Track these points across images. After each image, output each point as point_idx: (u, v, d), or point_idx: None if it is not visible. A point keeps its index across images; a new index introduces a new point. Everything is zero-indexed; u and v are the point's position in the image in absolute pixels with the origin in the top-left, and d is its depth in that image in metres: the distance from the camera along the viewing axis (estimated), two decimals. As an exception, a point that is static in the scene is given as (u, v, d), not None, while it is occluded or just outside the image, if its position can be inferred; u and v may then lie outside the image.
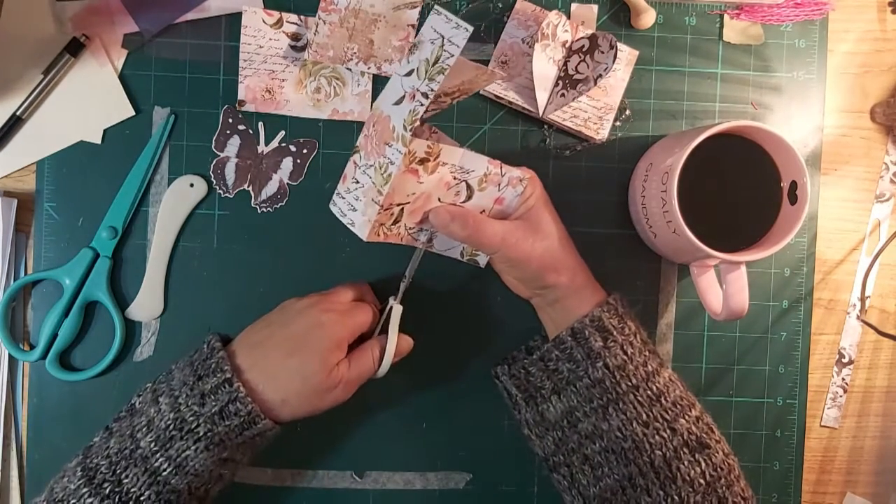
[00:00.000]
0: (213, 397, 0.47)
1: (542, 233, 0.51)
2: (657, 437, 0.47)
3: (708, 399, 0.60)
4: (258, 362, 0.49)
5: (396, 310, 0.53)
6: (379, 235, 0.49)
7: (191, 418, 0.47)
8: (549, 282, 0.51)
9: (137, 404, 0.50)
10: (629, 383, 0.48)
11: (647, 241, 0.59)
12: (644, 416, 0.48)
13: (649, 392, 0.48)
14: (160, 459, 0.46)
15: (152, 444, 0.46)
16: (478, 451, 0.59)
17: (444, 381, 0.58)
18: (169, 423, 0.47)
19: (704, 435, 0.48)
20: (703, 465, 0.47)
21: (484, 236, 0.49)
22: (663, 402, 0.48)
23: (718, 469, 0.47)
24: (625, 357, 0.49)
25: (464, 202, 0.50)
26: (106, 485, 0.46)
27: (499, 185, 0.51)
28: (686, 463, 0.47)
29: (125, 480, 0.46)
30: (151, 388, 0.50)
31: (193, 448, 0.46)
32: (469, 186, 0.50)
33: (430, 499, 0.58)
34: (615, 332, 0.49)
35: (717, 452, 0.48)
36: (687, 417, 0.48)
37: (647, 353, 0.50)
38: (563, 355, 0.50)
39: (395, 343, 0.53)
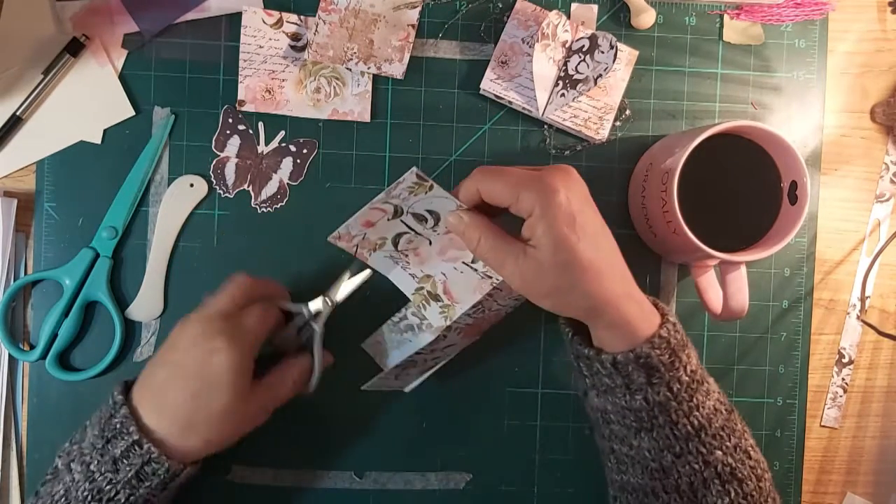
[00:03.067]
0: (125, 462, 0.45)
1: (554, 271, 0.43)
2: (688, 467, 0.45)
3: (708, 399, 0.60)
4: (165, 411, 0.46)
5: (319, 329, 0.52)
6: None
7: (107, 487, 0.45)
8: (583, 318, 0.46)
9: (59, 466, 0.47)
10: (668, 419, 0.45)
11: (647, 240, 0.59)
12: (678, 448, 0.45)
13: (689, 427, 0.45)
14: None
15: None
16: (478, 451, 0.59)
17: (445, 382, 0.58)
18: (86, 493, 0.44)
19: (739, 464, 0.45)
20: (733, 494, 0.45)
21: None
22: (702, 436, 0.45)
23: (749, 497, 0.45)
24: (668, 394, 0.44)
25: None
26: None
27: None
28: (714, 493, 0.45)
29: None
30: (67, 448, 0.48)
31: None
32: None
33: (430, 499, 0.58)
34: (662, 370, 0.44)
35: (750, 480, 0.45)
36: (724, 448, 0.45)
37: (694, 386, 0.45)
38: (603, 372, 0.46)
39: (322, 361, 0.52)
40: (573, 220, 0.43)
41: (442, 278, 0.48)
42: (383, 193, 0.46)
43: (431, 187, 0.46)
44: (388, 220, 0.49)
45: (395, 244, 0.49)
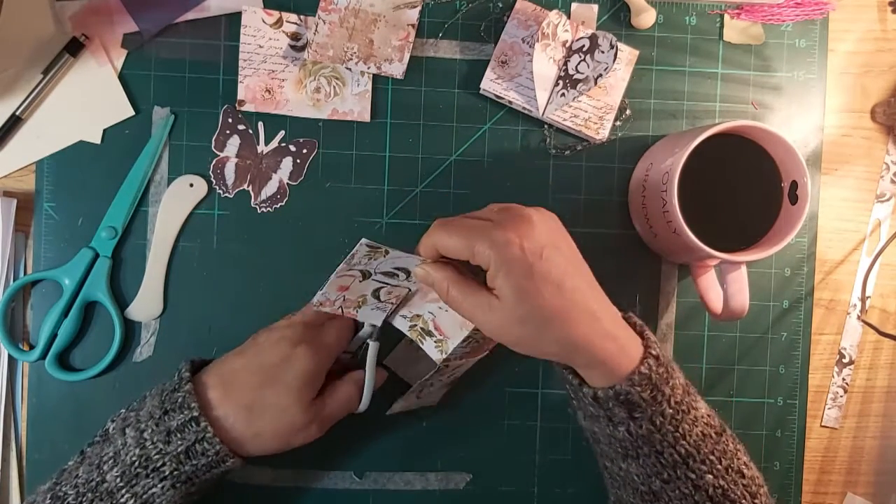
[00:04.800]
0: (179, 435, 0.45)
1: (519, 322, 0.42)
2: (678, 491, 0.45)
3: (708, 399, 0.60)
4: (230, 394, 0.47)
5: (373, 347, 0.51)
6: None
7: (156, 456, 0.45)
8: (558, 360, 0.46)
9: (111, 430, 0.48)
10: (653, 449, 0.44)
11: (647, 240, 0.59)
12: (666, 475, 0.45)
13: (675, 456, 0.44)
14: (126, 496, 0.45)
15: (118, 480, 0.45)
16: (478, 451, 0.59)
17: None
18: (134, 458, 0.45)
19: (732, 485, 0.45)
20: None
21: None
22: (691, 463, 0.44)
23: None
24: (651, 428, 0.44)
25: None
26: None
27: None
28: None
29: None
30: (124, 414, 0.49)
31: (160, 486, 0.45)
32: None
33: (430, 499, 0.58)
34: (644, 405, 0.44)
35: (744, 499, 0.45)
36: (715, 472, 0.45)
37: (679, 417, 0.44)
38: (586, 401, 0.46)
39: (374, 380, 0.52)
40: (530, 270, 0.42)
41: (430, 316, 0.48)
42: (343, 264, 0.49)
43: (387, 252, 0.47)
44: (360, 282, 0.50)
45: (377, 297, 0.50)
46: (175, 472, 0.45)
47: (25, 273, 0.57)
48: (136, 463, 0.45)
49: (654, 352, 0.45)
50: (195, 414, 0.46)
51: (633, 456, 0.45)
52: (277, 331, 0.50)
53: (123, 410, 0.49)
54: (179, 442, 0.45)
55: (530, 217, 0.44)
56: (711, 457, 0.45)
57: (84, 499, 0.45)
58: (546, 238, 0.43)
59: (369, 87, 0.58)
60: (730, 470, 0.45)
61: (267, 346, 0.49)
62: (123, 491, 0.45)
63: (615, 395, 0.43)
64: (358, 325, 0.53)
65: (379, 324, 0.49)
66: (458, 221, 0.45)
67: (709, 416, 0.46)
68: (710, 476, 0.45)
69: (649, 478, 0.45)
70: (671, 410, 0.44)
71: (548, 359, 0.46)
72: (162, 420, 0.46)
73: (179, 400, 0.46)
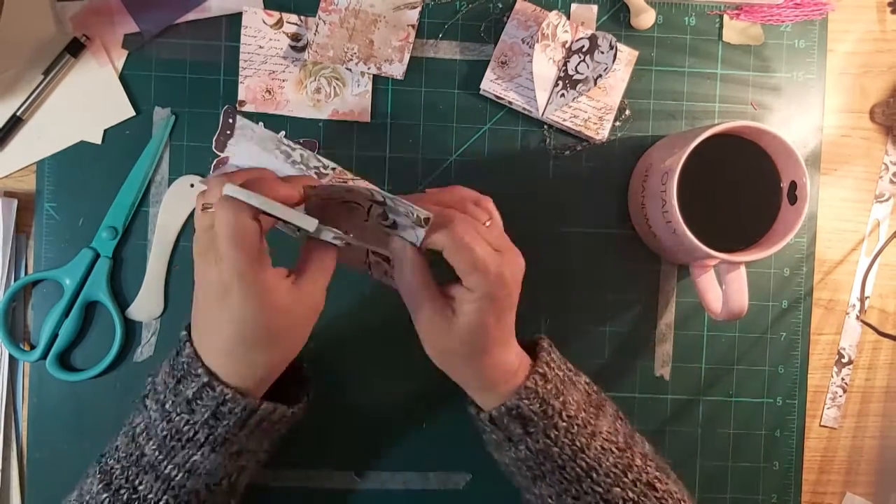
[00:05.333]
0: (199, 403, 0.44)
1: (461, 343, 0.45)
2: None
3: (707, 399, 0.60)
4: (222, 351, 0.43)
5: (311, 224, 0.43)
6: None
7: (186, 427, 0.44)
8: (460, 381, 0.48)
9: (142, 395, 0.47)
10: (554, 464, 0.46)
11: (646, 240, 0.59)
12: (574, 490, 0.46)
13: (578, 469, 0.46)
14: (168, 467, 0.44)
15: (157, 453, 0.44)
16: (478, 451, 0.58)
17: (445, 382, 0.58)
18: (165, 432, 0.44)
19: (643, 498, 0.46)
20: None
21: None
22: (594, 476, 0.46)
23: None
24: (547, 440, 0.46)
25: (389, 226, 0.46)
26: (123, 491, 0.44)
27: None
28: None
29: (140, 487, 0.44)
30: (147, 382, 0.47)
31: (199, 453, 0.44)
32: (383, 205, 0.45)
33: (430, 499, 0.58)
34: (535, 419, 0.46)
35: None
36: (622, 484, 0.46)
37: (574, 430, 0.46)
38: (487, 429, 0.48)
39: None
40: (501, 310, 0.45)
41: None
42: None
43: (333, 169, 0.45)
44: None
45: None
46: (210, 437, 0.44)
47: (26, 273, 0.57)
48: (168, 436, 0.44)
49: (540, 370, 0.47)
50: (205, 380, 0.43)
51: (540, 476, 0.47)
52: (196, 260, 0.44)
53: (148, 378, 0.47)
54: (203, 409, 0.44)
55: (521, 262, 0.47)
56: (615, 470, 0.46)
57: (129, 472, 0.44)
58: (518, 280, 0.47)
59: (369, 87, 0.58)
60: (638, 483, 0.46)
61: (202, 285, 0.44)
62: (165, 463, 0.44)
63: (507, 410, 0.46)
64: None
65: (312, 229, 0.43)
66: (476, 230, 0.45)
67: (610, 432, 0.48)
68: (618, 489, 0.46)
69: (561, 496, 0.47)
70: (564, 424, 0.46)
71: (450, 375, 0.48)
72: (178, 389, 0.44)
73: (185, 366, 0.44)
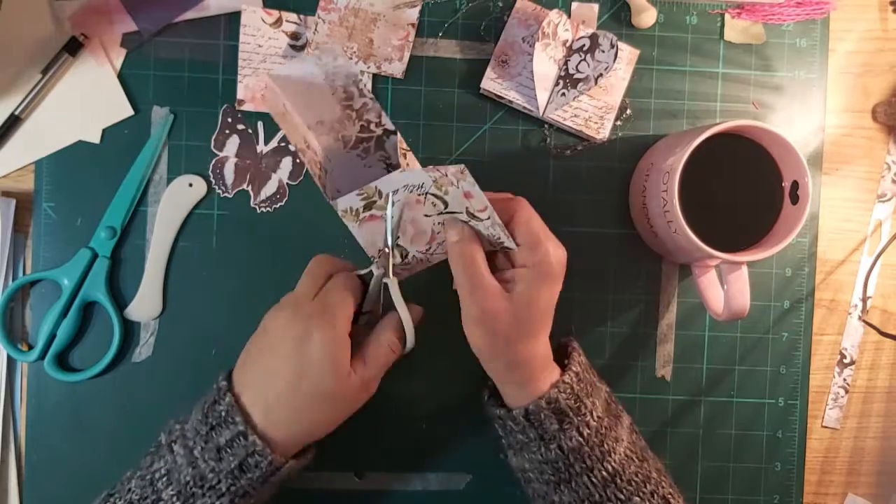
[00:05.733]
0: (229, 451, 0.44)
1: (513, 322, 0.46)
2: None
3: (709, 400, 0.60)
4: (268, 401, 0.45)
5: (393, 284, 0.49)
6: (402, 273, 0.50)
7: (210, 475, 0.44)
8: (500, 371, 0.48)
9: (163, 442, 0.47)
10: (583, 465, 0.46)
11: (647, 241, 0.58)
12: (597, 496, 0.46)
13: (604, 473, 0.46)
14: None
15: (174, 499, 0.44)
16: (478, 451, 0.59)
17: (445, 382, 0.58)
18: (188, 479, 0.44)
19: None
20: None
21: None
22: (618, 482, 0.46)
23: None
24: (580, 439, 0.46)
25: (445, 210, 0.48)
26: None
27: (453, 184, 0.47)
28: None
29: None
30: (171, 426, 0.47)
31: (218, 502, 0.45)
32: (437, 196, 0.47)
33: (430, 499, 0.58)
34: (571, 414, 0.46)
35: None
36: (641, 494, 0.46)
37: (603, 431, 0.47)
38: (517, 428, 0.48)
39: (407, 312, 0.48)
40: (550, 297, 0.47)
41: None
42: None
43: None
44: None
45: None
46: (232, 488, 0.45)
47: (24, 273, 0.57)
48: (191, 482, 0.44)
49: (574, 368, 0.48)
50: (241, 429, 0.44)
51: (566, 479, 0.47)
52: (283, 311, 0.47)
53: (172, 422, 0.48)
54: (231, 458, 0.44)
55: (565, 252, 0.48)
56: (636, 478, 0.47)
57: None
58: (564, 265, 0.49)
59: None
60: (655, 495, 0.47)
61: (279, 333, 0.47)
62: None
63: (547, 402, 0.46)
64: (363, 276, 0.50)
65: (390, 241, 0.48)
66: (536, 214, 0.48)
67: (631, 441, 0.48)
68: (637, 498, 0.46)
69: (583, 502, 0.46)
70: (595, 423, 0.47)
71: (491, 367, 0.49)
72: (210, 436, 0.45)
73: (223, 414, 0.45)
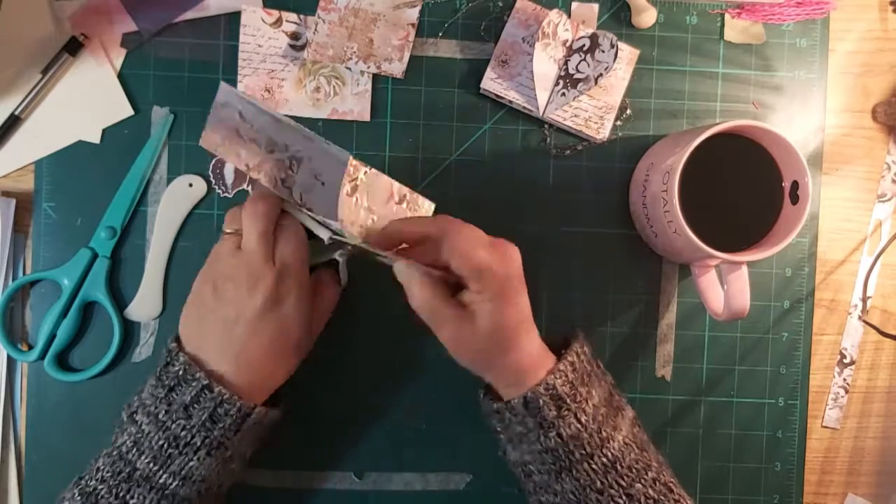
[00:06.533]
0: (197, 406, 0.45)
1: (486, 338, 0.47)
2: (612, 502, 0.46)
3: (709, 400, 0.60)
4: (230, 354, 0.47)
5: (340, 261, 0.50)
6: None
7: (183, 433, 0.45)
8: (499, 364, 0.48)
9: (124, 417, 0.48)
10: (583, 452, 0.46)
11: (647, 241, 0.58)
12: (598, 483, 0.46)
13: (604, 459, 0.46)
14: (164, 476, 0.45)
15: (151, 464, 0.45)
16: (478, 451, 0.59)
17: (445, 382, 0.58)
18: (161, 441, 0.45)
19: (662, 497, 0.47)
20: None
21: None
22: (618, 468, 0.46)
23: None
24: (579, 426, 0.46)
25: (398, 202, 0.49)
26: None
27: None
28: None
29: (132, 502, 0.45)
30: (129, 402, 0.48)
31: (195, 458, 0.45)
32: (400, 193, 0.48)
33: (430, 499, 0.58)
34: (569, 401, 0.46)
35: None
36: (643, 481, 0.47)
37: (600, 418, 0.47)
38: (515, 419, 0.48)
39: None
40: (516, 302, 0.47)
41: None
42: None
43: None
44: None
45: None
46: (206, 440, 0.45)
47: (24, 273, 0.57)
48: (165, 444, 0.45)
49: (569, 357, 0.48)
50: (205, 382, 0.45)
51: (567, 467, 0.47)
52: (239, 276, 0.47)
53: (131, 398, 0.49)
54: (201, 412, 0.45)
55: (515, 249, 0.48)
56: (637, 465, 0.47)
57: (119, 489, 0.45)
58: (520, 267, 0.48)
59: (369, 86, 0.58)
60: (657, 482, 0.47)
61: (239, 297, 0.47)
62: (160, 472, 0.45)
63: (545, 388, 0.46)
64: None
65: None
66: (468, 237, 0.47)
67: (630, 432, 0.48)
68: (640, 485, 0.46)
69: (584, 490, 0.46)
70: (591, 410, 0.47)
71: (486, 375, 0.49)
72: (171, 398, 0.46)
73: (180, 373, 0.46)
